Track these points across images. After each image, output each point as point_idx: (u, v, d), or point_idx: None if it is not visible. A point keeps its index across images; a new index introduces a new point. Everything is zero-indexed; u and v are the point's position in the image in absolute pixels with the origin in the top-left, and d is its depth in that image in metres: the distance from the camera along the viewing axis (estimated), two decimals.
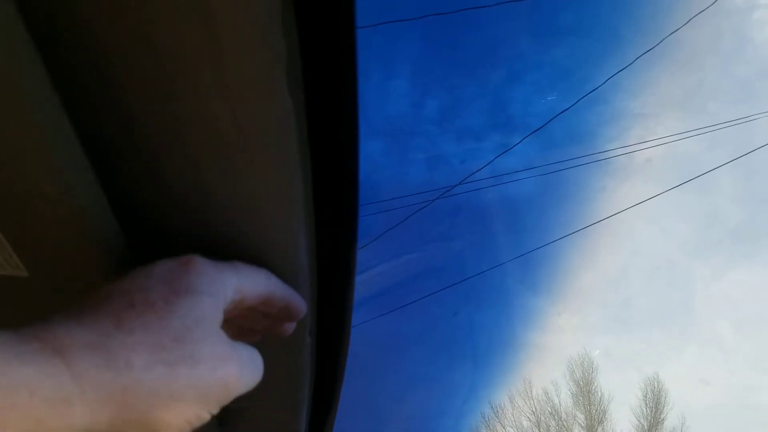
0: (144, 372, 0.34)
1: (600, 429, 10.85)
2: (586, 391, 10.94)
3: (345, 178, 0.47)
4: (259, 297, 0.45)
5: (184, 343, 0.37)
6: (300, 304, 0.50)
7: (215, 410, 0.38)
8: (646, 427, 10.65)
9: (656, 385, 10.67)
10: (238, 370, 0.40)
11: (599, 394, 10.94)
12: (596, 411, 10.90)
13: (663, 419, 10.57)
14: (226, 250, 0.44)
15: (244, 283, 0.43)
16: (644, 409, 10.74)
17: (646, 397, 10.73)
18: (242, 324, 0.49)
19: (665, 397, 10.62)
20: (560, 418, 10.92)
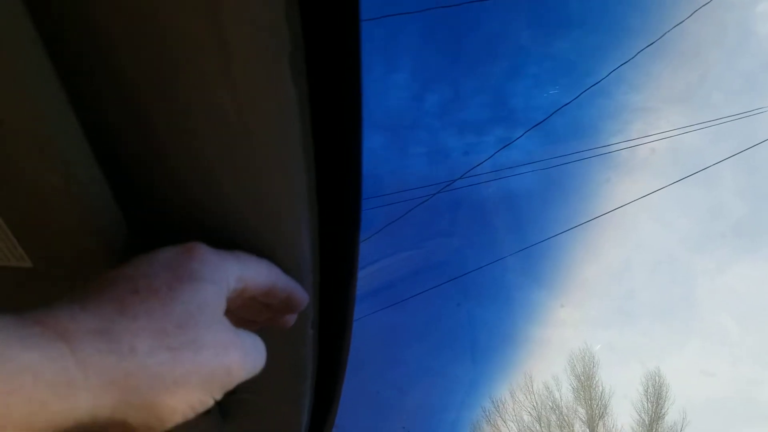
0: (148, 357, 0.34)
1: (601, 423, 10.87)
2: (587, 385, 10.95)
3: (348, 169, 0.46)
4: (261, 287, 0.45)
5: (188, 329, 0.37)
6: (302, 296, 0.49)
7: (218, 396, 0.39)
8: (647, 422, 10.67)
9: (658, 380, 10.69)
10: (242, 357, 0.40)
11: (600, 388, 10.96)
12: (597, 406, 10.93)
13: (664, 414, 10.59)
14: (229, 240, 0.44)
15: (247, 273, 0.43)
16: (645, 403, 10.76)
17: (647, 391, 10.75)
18: (243, 315, 0.49)
19: (666, 392, 10.63)
20: (561, 413, 10.94)
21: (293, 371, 0.61)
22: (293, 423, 0.71)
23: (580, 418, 10.94)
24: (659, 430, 10.57)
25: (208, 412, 0.45)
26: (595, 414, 10.88)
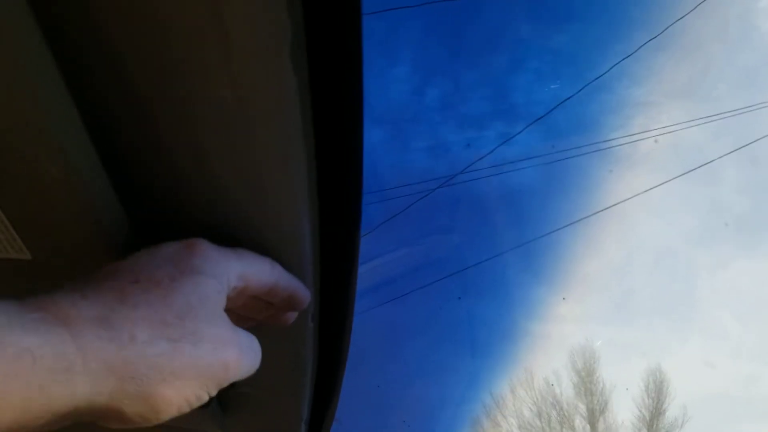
0: (147, 347, 0.34)
1: (601, 419, 10.90)
2: (587, 381, 10.97)
3: (349, 162, 0.46)
4: (262, 285, 0.45)
5: (188, 321, 0.37)
6: (304, 294, 0.50)
7: (213, 392, 0.39)
8: (647, 418, 10.69)
9: (658, 375, 10.71)
10: (239, 354, 0.40)
11: (601, 384, 10.98)
12: (598, 401, 10.95)
13: (665, 409, 10.62)
14: (229, 232, 0.44)
15: (248, 271, 0.43)
16: (646, 399, 10.78)
17: (648, 387, 10.77)
18: (244, 313, 0.49)
19: (667, 388, 10.65)
20: (561, 409, 10.96)
21: (293, 365, 0.61)
22: (293, 416, 0.71)
23: (581, 414, 10.96)
24: (660, 425, 10.60)
25: (207, 405, 0.45)
26: (596, 410, 10.91)
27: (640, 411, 10.76)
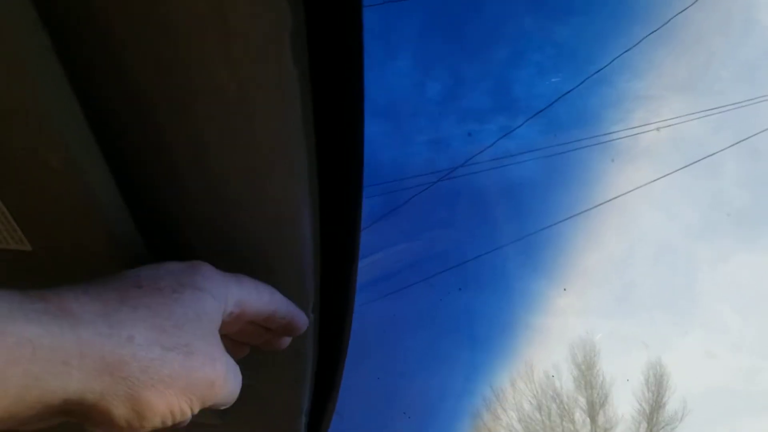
0: (142, 349, 0.35)
1: (601, 412, 10.91)
2: (588, 374, 10.98)
3: (350, 152, 0.46)
4: (260, 313, 0.47)
5: (183, 332, 0.37)
6: (302, 321, 0.51)
7: (196, 408, 0.39)
8: (647, 411, 10.71)
9: (659, 369, 10.71)
10: (225, 374, 0.40)
11: (601, 377, 10.99)
12: (598, 395, 10.96)
13: (665, 403, 10.63)
14: (229, 223, 0.44)
15: (246, 298, 0.45)
16: (646, 392, 10.79)
17: (648, 380, 10.78)
18: (241, 338, 0.51)
19: (667, 381, 10.66)
20: (562, 402, 10.98)
21: (294, 356, 0.61)
22: (294, 408, 0.72)
23: (581, 407, 10.98)
24: (660, 419, 10.61)
25: None
26: (596, 403, 10.92)
27: (640, 404, 10.77)
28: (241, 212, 0.44)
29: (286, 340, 0.53)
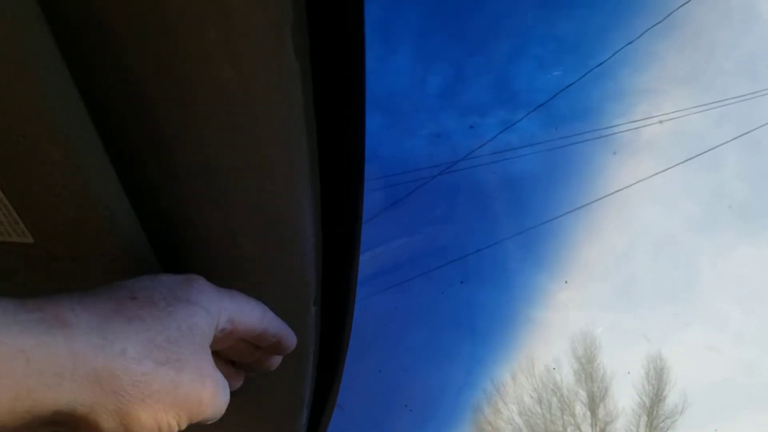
0: (135, 363, 0.35)
1: (602, 406, 10.93)
2: (588, 368, 10.99)
3: (351, 145, 0.46)
4: (251, 331, 0.47)
5: (176, 347, 0.38)
6: (291, 341, 0.52)
7: (183, 423, 0.39)
8: (647, 404, 10.72)
9: (659, 362, 10.72)
10: (214, 391, 0.41)
11: (601, 371, 11.00)
12: (598, 388, 10.98)
13: (665, 396, 10.64)
14: (230, 216, 0.44)
15: (238, 315, 0.45)
16: (646, 386, 10.80)
17: (648, 374, 10.79)
18: (230, 356, 0.51)
19: (668, 375, 10.67)
20: (562, 395, 11.00)
21: (296, 349, 0.61)
22: (295, 401, 0.72)
23: (581, 401, 11.00)
24: (660, 412, 10.63)
25: None
26: (597, 396, 10.93)
27: (641, 397, 10.79)
28: (242, 206, 0.44)
29: (277, 360, 0.54)
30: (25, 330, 0.31)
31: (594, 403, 10.94)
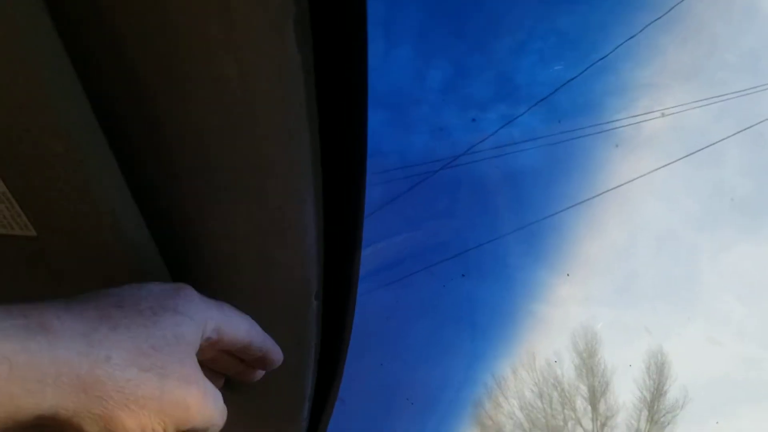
0: (119, 370, 0.35)
1: (603, 400, 10.95)
2: (589, 362, 11.01)
3: (353, 139, 0.46)
4: (237, 343, 0.47)
5: (161, 355, 0.38)
6: (276, 357, 0.52)
7: (171, 431, 0.39)
8: (648, 399, 10.74)
9: (660, 357, 10.73)
10: (202, 398, 0.41)
11: (602, 366, 11.02)
12: (599, 383, 10.99)
13: (666, 391, 10.66)
14: (232, 212, 0.44)
15: (225, 326, 0.45)
16: (647, 381, 10.82)
17: (649, 369, 10.80)
18: (214, 367, 0.51)
19: (668, 370, 10.68)
20: (563, 390, 11.01)
21: (297, 343, 0.62)
22: (297, 395, 0.72)
23: (582, 395, 11.01)
24: (661, 406, 10.64)
25: None
26: (597, 391, 10.95)
27: (641, 392, 10.80)
28: (244, 200, 0.44)
29: (259, 374, 0.54)
30: (8, 336, 0.31)
31: (595, 397, 10.96)
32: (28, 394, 0.31)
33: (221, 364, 0.52)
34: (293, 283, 0.53)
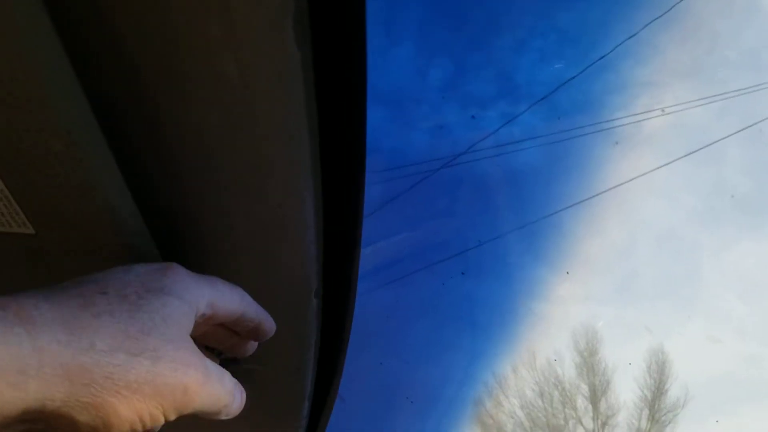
0: (105, 356, 0.35)
1: (604, 399, 10.95)
2: (590, 361, 11.01)
3: (353, 137, 0.46)
4: (230, 315, 0.47)
5: (150, 338, 0.37)
6: (270, 327, 0.51)
7: (171, 415, 0.39)
8: (649, 398, 10.74)
9: (661, 356, 10.73)
10: (202, 379, 0.40)
11: (603, 364, 11.02)
12: (600, 382, 10.99)
13: (667, 389, 10.66)
14: (232, 209, 0.44)
15: (218, 299, 0.44)
16: (648, 379, 10.82)
17: (650, 367, 10.80)
18: (207, 342, 0.51)
19: (669, 368, 10.68)
20: (564, 389, 11.02)
21: (297, 341, 0.62)
22: (297, 393, 0.72)
23: (583, 394, 11.02)
24: (662, 405, 10.65)
25: None
26: (598, 390, 10.95)
27: (642, 391, 10.80)
28: (243, 198, 0.44)
29: (252, 346, 0.54)
30: None
31: (596, 396, 10.96)
32: (9, 386, 0.31)
33: (214, 338, 0.51)
34: (293, 282, 0.53)
